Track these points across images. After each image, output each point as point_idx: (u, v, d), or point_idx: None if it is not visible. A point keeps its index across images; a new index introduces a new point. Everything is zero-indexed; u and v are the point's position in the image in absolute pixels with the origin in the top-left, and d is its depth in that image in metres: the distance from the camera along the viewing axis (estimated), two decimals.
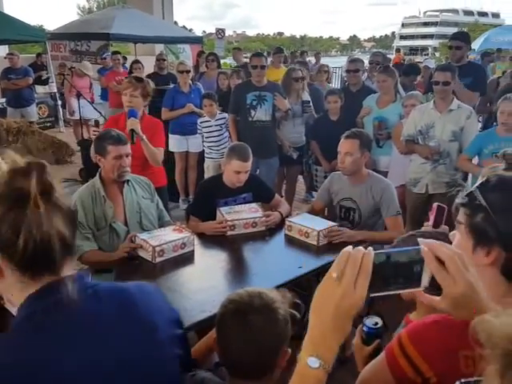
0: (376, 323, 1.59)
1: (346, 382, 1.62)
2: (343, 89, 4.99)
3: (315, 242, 2.85)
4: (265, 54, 5.79)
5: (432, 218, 2.10)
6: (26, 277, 0.96)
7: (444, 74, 3.61)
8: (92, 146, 2.92)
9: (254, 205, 3.19)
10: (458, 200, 1.09)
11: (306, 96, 4.89)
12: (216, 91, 6.11)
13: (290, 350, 1.33)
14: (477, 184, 1.07)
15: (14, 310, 1.00)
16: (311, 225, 2.91)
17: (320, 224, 2.94)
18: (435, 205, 2.13)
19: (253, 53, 5.01)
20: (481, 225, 1.00)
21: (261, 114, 4.55)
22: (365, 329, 1.58)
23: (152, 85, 6.79)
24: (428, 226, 2.08)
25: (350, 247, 0.84)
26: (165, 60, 7.77)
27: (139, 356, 1.03)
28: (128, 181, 2.87)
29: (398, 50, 16.46)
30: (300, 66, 5.26)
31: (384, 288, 0.84)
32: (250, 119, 4.56)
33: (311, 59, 12.74)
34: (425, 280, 0.84)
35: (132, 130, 3.17)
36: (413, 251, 0.85)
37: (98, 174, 2.84)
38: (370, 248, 0.84)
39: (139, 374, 1.02)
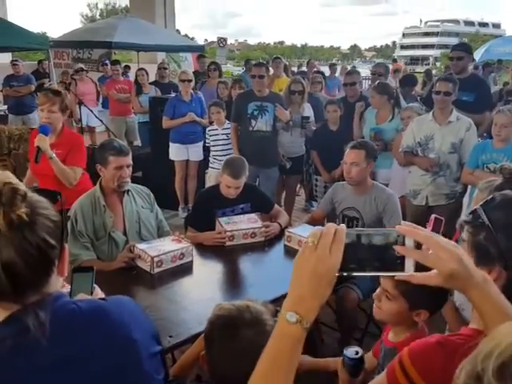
0: (357, 352, 1.58)
1: None
2: (341, 99, 5.00)
3: None
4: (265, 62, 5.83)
5: (429, 229, 2.10)
6: None
7: (446, 84, 3.61)
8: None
9: (253, 215, 3.19)
10: (462, 217, 1.09)
11: (307, 111, 4.91)
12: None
13: None
14: (481, 203, 1.07)
15: None
16: None
17: None
18: (433, 216, 2.13)
19: (254, 62, 5.04)
20: (483, 243, 1.01)
21: (261, 124, 4.57)
22: (348, 361, 1.57)
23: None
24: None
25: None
26: (166, 69, 7.80)
27: (123, 375, 1.01)
28: (128, 191, 2.88)
29: (394, 60, 15.79)
30: (302, 79, 5.26)
31: (362, 267, 0.85)
32: (251, 129, 4.57)
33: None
34: (409, 266, 0.85)
35: (38, 147, 2.99)
36: (386, 234, 0.85)
37: (98, 183, 2.84)
38: (343, 225, 0.86)
39: None
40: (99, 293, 1.43)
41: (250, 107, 4.56)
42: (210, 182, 5.01)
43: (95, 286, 1.45)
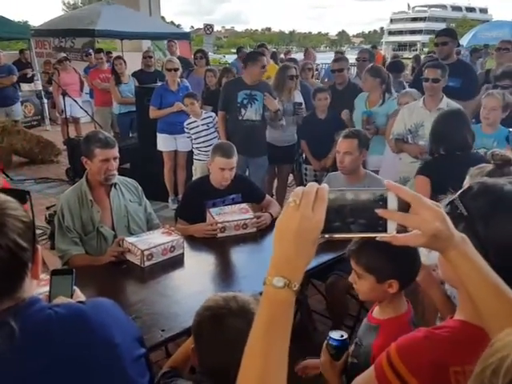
0: (342, 335, 1.60)
1: None
2: (330, 87, 4.96)
3: None
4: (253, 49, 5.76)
5: None
6: None
7: (434, 70, 3.60)
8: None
9: (244, 205, 3.15)
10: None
11: (299, 97, 4.86)
12: (204, 89, 6.06)
13: None
14: (458, 192, 1.05)
15: None
16: None
17: None
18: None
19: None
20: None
21: (251, 113, 4.50)
22: (332, 343, 1.59)
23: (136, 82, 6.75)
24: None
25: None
26: (151, 57, 7.69)
27: (105, 382, 0.99)
28: (115, 184, 2.82)
29: (374, 47, 14.67)
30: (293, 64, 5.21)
31: (345, 228, 0.83)
32: (240, 118, 4.51)
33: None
34: (392, 227, 0.84)
35: None
36: (370, 193, 0.84)
37: (84, 177, 2.78)
38: (325, 184, 0.84)
39: None
40: (80, 295, 1.39)
41: (239, 95, 4.49)
42: (196, 174, 4.93)
43: (75, 288, 1.41)
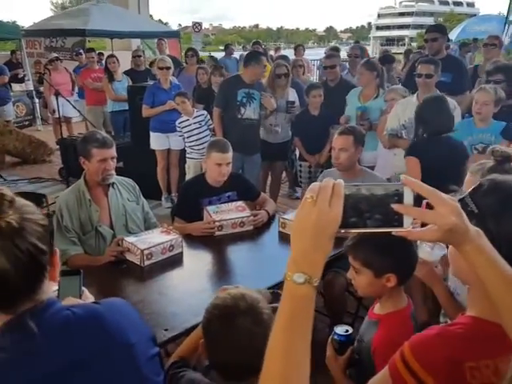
0: (347, 330, 1.63)
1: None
2: (322, 84, 4.98)
3: None
4: (241, 46, 5.76)
5: None
6: None
7: (427, 66, 3.62)
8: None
9: (240, 203, 3.16)
10: None
11: (293, 95, 4.87)
12: (195, 87, 6.05)
13: None
14: (469, 190, 1.06)
15: None
16: None
17: None
18: (424, 202, 2.12)
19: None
20: None
21: (250, 111, 4.52)
22: (336, 337, 1.62)
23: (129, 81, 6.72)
24: (417, 224, 2.07)
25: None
26: (141, 56, 7.67)
27: (122, 382, 1.01)
28: (113, 183, 2.82)
29: (356, 42, 13.98)
30: (285, 62, 5.21)
31: (361, 223, 0.84)
32: (240, 116, 4.51)
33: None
34: (408, 222, 0.84)
35: None
36: (385, 188, 0.84)
37: (82, 177, 2.78)
38: (340, 180, 0.84)
39: None
40: (88, 295, 1.41)
41: (239, 94, 4.49)
42: (189, 173, 4.92)
43: (83, 288, 1.42)
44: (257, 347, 1.27)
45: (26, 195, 1.00)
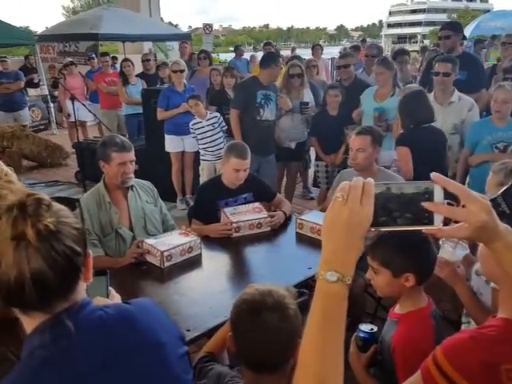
0: (371, 329, 1.64)
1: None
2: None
3: None
4: (251, 47, 5.77)
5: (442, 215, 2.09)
6: (21, 313, 0.97)
7: (445, 64, 3.59)
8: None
9: (257, 204, 3.17)
10: None
11: (307, 96, 4.86)
12: (209, 88, 6.06)
13: None
14: (501, 190, 1.06)
15: None
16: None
17: None
18: (445, 202, 2.11)
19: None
20: None
21: (268, 113, 4.53)
22: (361, 335, 1.63)
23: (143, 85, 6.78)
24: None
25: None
26: (150, 60, 7.72)
27: (154, 381, 1.02)
28: (132, 186, 2.86)
29: (363, 41, 14.00)
30: (299, 62, 5.21)
31: (391, 222, 0.84)
32: (259, 118, 4.51)
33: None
34: (438, 220, 0.84)
35: None
36: (415, 187, 0.84)
37: (102, 180, 2.82)
38: (370, 178, 0.84)
39: None
40: (115, 295, 1.43)
41: (258, 96, 4.49)
42: (203, 174, 4.94)
43: (110, 288, 1.45)
44: (283, 342, 1.34)
45: (59, 199, 1.02)
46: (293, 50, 13.17)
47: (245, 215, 3.05)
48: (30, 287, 0.91)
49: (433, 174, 0.84)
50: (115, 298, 1.40)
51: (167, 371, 1.04)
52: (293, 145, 4.85)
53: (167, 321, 1.15)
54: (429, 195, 0.84)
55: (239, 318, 1.41)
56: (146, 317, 1.08)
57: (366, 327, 1.65)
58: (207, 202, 3.18)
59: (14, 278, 0.90)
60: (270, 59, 4.60)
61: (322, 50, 8.83)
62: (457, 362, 1.08)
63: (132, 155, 2.78)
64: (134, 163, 2.80)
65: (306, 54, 13.30)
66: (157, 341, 1.05)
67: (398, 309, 1.73)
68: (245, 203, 3.20)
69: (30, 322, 0.97)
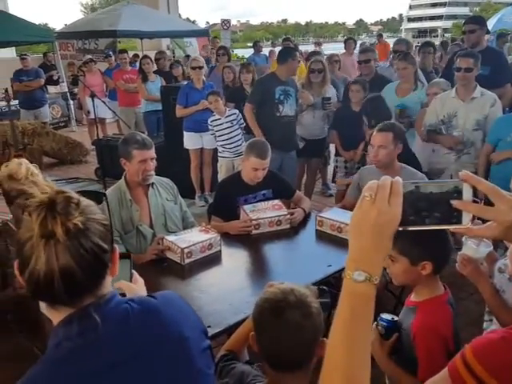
0: (392, 318, 1.69)
1: (377, 376, 1.64)
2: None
3: None
4: (269, 42, 5.74)
5: None
6: (48, 306, 0.98)
7: (466, 59, 3.52)
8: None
9: (277, 201, 3.16)
10: None
11: (329, 91, 4.83)
12: (222, 85, 6.02)
13: (326, 340, 1.36)
14: None
15: None
16: (343, 219, 2.87)
17: None
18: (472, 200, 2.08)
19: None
20: None
21: (287, 109, 4.50)
22: (384, 323, 1.68)
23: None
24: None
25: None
26: (164, 58, 7.74)
27: (177, 374, 1.03)
28: (153, 184, 2.88)
29: (380, 36, 13.74)
30: (320, 57, 5.18)
31: (420, 221, 0.83)
32: (278, 114, 4.49)
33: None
34: (466, 219, 0.83)
35: None
36: (444, 186, 0.84)
37: (123, 178, 2.84)
38: (398, 177, 0.84)
39: None
40: (138, 279, 1.45)
41: (277, 92, 4.47)
42: (221, 171, 4.95)
43: (134, 272, 1.47)
44: (306, 340, 1.34)
45: (85, 193, 1.04)
46: (318, 44, 13.00)
47: (264, 212, 3.04)
48: (58, 283, 0.92)
49: (462, 173, 0.83)
50: (138, 282, 1.42)
51: (190, 365, 1.05)
52: (301, 144, 4.82)
53: (191, 314, 1.14)
54: (458, 194, 0.82)
55: (262, 317, 1.41)
56: (171, 310, 1.08)
57: (387, 317, 1.69)
58: (226, 199, 3.19)
59: (44, 274, 0.92)
60: (287, 54, 4.58)
61: (356, 44, 8.66)
62: (487, 362, 1.08)
63: (152, 153, 2.80)
64: (154, 161, 2.81)
65: (329, 49, 13.20)
66: (180, 334, 1.05)
67: (414, 297, 1.75)
68: (264, 200, 3.19)
69: (56, 316, 0.99)
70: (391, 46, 9.75)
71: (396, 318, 1.69)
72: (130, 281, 1.41)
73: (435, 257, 1.64)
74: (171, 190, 3.00)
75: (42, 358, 0.98)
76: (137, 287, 1.39)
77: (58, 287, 0.92)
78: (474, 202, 0.83)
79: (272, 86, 4.49)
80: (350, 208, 3.32)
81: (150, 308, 1.06)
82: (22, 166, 2.18)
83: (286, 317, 1.35)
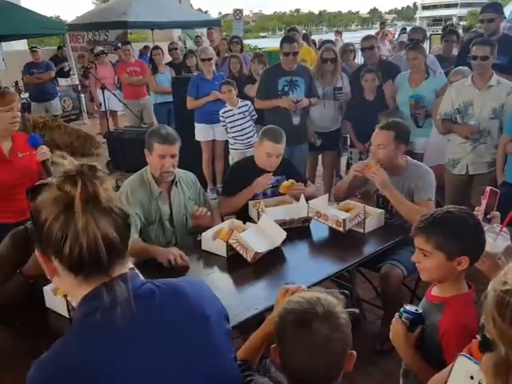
0: (416, 309, 1.67)
1: (391, 370, 1.61)
2: (360, 66, 4.82)
3: (341, 229, 2.72)
4: (282, 32, 5.62)
5: (484, 202, 2.00)
6: (78, 278, 0.98)
7: (483, 47, 3.42)
8: None
9: (287, 197, 3.11)
10: None
11: (340, 81, 4.73)
12: (228, 76, 5.90)
13: (354, 353, 1.29)
14: None
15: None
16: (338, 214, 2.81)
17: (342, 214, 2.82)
18: (488, 189, 2.02)
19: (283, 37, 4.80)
20: None
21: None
22: (409, 315, 1.66)
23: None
24: (479, 211, 1.99)
25: None
26: (177, 49, 7.66)
27: (199, 353, 1.04)
28: (176, 182, 2.83)
29: (382, 24, 13.48)
30: (333, 46, 5.08)
31: None
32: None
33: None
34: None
35: (44, 162, 2.75)
36: None
37: (147, 170, 2.80)
38: None
39: (201, 371, 1.05)
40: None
41: (280, 83, 4.39)
42: None
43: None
44: (334, 352, 1.25)
45: None
46: (338, 33, 12.83)
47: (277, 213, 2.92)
48: (102, 250, 0.93)
49: None
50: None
51: (213, 345, 1.08)
52: (318, 142, 4.73)
53: (214, 298, 1.17)
54: None
55: (286, 330, 1.30)
56: (196, 291, 1.12)
57: (411, 308, 1.66)
58: (239, 181, 3.14)
59: (87, 244, 0.92)
60: (281, 41, 4.50)
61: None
62: None
63: (174, 149, 2.70)
64: (176, 158, 2.73)
65: (347, 38, 13.07)
66: (203, 312, 1.08)
67: (438, 292, 1.71)
68: (277, 186, 3.16)
69: (79, 292, 0.99)
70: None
71: (420, 310, 1.67)
72: None
73: (472, 252, 1.63)
74: (194, 187, 2.95)
75: (67, 331, 1.00)
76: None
77: (102, 255, 0.93)
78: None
79: (275, 77, 4.41)
80: (343, 191, 3.19)
81: (176, 287, 1.09)
82: None
83: (313, 329, 1.24)
